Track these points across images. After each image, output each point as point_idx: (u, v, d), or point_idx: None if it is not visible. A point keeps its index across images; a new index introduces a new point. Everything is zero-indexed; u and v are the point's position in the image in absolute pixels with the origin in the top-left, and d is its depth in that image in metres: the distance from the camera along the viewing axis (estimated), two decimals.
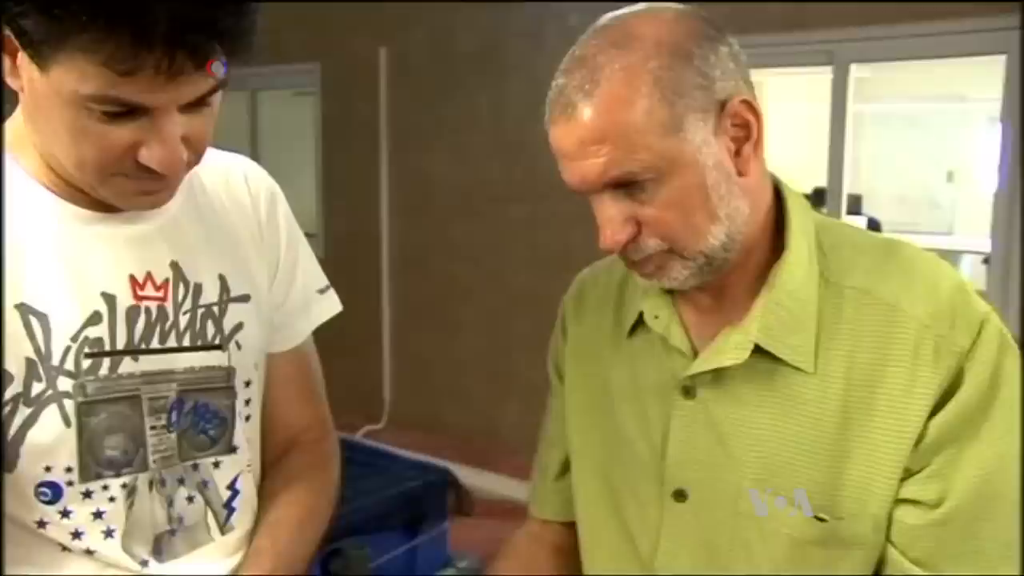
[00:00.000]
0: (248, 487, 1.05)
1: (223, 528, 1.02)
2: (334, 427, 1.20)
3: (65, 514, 0.91)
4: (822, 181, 3.63)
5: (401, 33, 4.60)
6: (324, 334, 1.18)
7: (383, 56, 4.69)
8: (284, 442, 1.13)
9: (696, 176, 0.87)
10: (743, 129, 0.89)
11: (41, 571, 0.92)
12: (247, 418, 1.05)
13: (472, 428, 4.43)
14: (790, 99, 6.36)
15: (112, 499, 0.93)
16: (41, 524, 0.91)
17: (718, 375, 0.95)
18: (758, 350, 0.93)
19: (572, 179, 0.89)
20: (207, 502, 1.01)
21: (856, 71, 3.51)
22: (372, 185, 4.77)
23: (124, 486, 0.94)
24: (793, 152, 4.23)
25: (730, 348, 0.93)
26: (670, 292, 0.99)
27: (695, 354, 0.97)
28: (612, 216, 0.89)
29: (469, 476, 2.78)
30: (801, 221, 0.95)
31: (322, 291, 1.15)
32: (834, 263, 0.94)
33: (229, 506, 1.02)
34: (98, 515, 0.93)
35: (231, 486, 1.03)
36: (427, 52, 4.53)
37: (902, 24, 3.25)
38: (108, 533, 0.93)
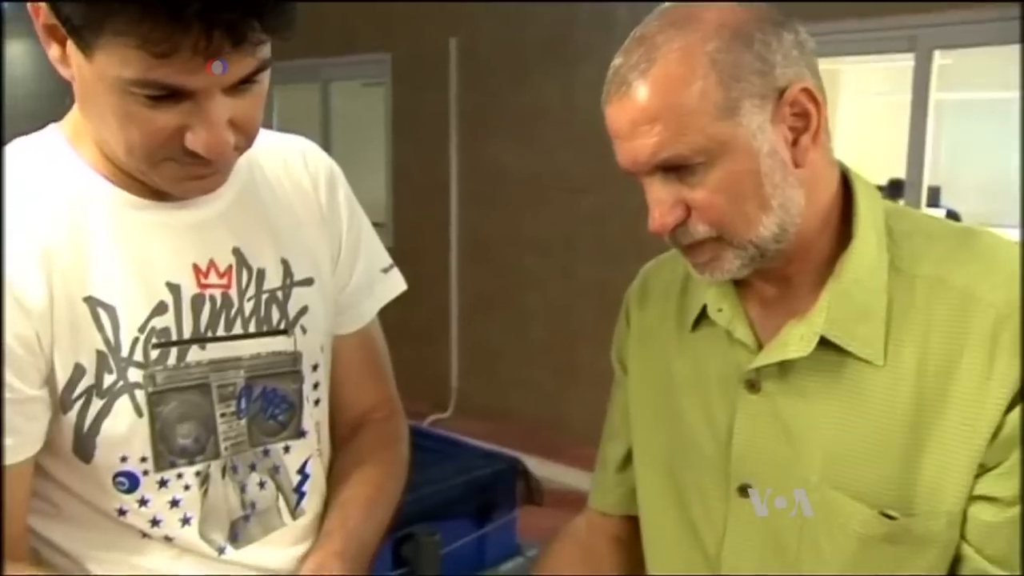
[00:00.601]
0: (317, 471, 1.06)
1: (294, 513, 1.03)
2: (402, 407, 1.21)
3: (143, 502, 0.93)
4: (898, 172, 3.55)
5: (471, 23, 4.62)
6: (391, 322, 1.19)
7: (453, 46, 4.71)
8: (352, 422, 1.14)
9: (749, 162, 0.86)
10: (802, 119, 0.87)
11: (124, 556, 0.94)
12: (316, 402, 1.06)
13: (539, 418, 4.43)
14: (866, 88, 6.22)
15: (187, 487, 0.95)
16: (121, 512, 0.93)
17: (783, 368, 0.93)
18: (824, 342, 0.91)
19: (624, 160, 0.88)
20: (278, 487, 1.02)
21: (938, 58, 3.41)
22: (441, 175, 4.80)
23: (198, 474, 0.95)
24: (866, 142, 4.14)
25: (795, 340, 0.92)
26: (734, 283, 0.98)
27: (759, 347, 0.95)
28: (662, 199, 0.88)
29: (536, 466, 2.78)
30: (869, 209, 0.93)
31: (386, 270, 1.15)
32: (905, 251, 0.92)
33: (299, 490, 1.03)
34: (175, 503, 0.94)
35: (301, 470, 1.04)
36: (497, 42, 4.54)
37: (986, 8, 3.15)
38: (185, 520, 0.95)
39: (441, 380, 4.86)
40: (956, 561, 0.90)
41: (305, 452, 1.04)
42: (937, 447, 0.88)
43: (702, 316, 1.00)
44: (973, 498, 0.88)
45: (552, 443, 3.94)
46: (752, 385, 0.96)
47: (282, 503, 1.02)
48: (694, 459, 1.01)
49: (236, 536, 0.99)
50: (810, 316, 0.92)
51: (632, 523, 1.12)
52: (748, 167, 0.86)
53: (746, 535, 0.97)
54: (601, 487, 1.16)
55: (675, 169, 0.87)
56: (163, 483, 0.94)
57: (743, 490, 0.97)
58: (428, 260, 4.81)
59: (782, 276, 0.94)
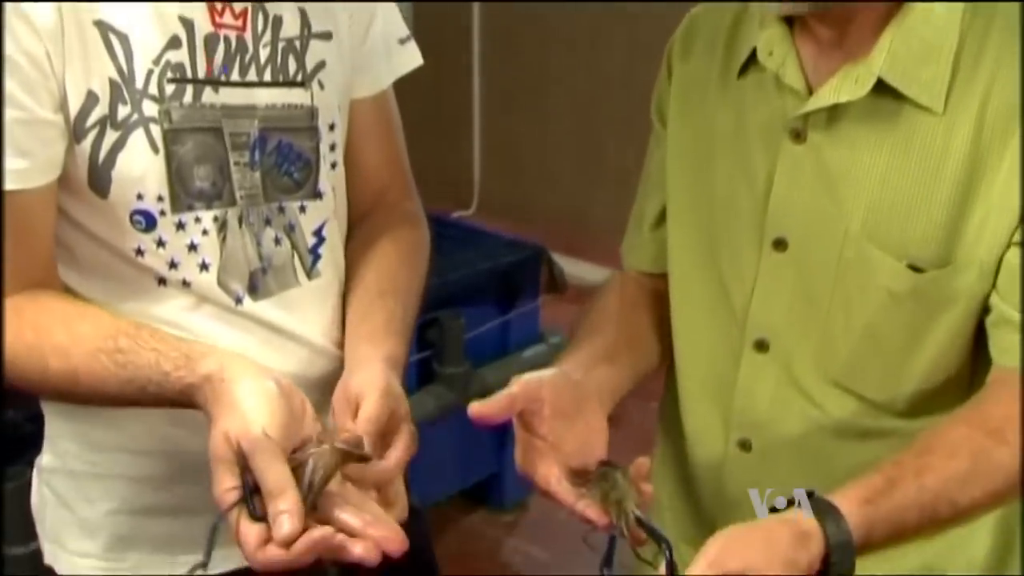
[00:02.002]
0: (334, 235, 1.05)
1: (309, 273, 1.02)
2: (416, 193, 1.18)
3: (160, 244, 0.93)
4: None
5: None
6: (412, 119, 1.16)
7: None
8: (367, 199, 1.12)
9: None
10: None
11: (141, 305, 0.94)
12: (333, 165, 1.04)
13: (562, 214, 4.42)
14: None
15: (205, 232, 0.94)
16: (139, 252, 0.93)
17: (833, 116, 0.89)
18: (881, 87, 0.86)
19: None
20: (293, 245, 1.01)
21: None
22: None
23: (216, 219, 0.94)
24: None
25: (849, 83, 0.87)
26: (788, 25, 0.92)
27: (810, 93, 0.90)
28: None
29: (559, 262, 2.78)
30: None
31: (403, 41, 1.11)
32: None
33: (315, 252, 1.03)
34: (192, 247, 0.94)
35: (317, 232, 1.03)
36: None
37: None
38: (203, 267, 0.95)
39: (463, 177, 4.83)
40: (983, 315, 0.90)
41: (322, 214, 1.03)
42: (985, 198, 0.86)
43: (750, 61, 0.95)
44: (1011, 244, 0.86)
45: (575, 239, 3.93)
46: (797, 134, 0.92)
47: (297, 262, 1.01)
48: (728, 213, 0.98)
49: (255, 287, 0.98)
50: (869, 58, 0.87)
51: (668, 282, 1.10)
52: None
53: (777, 290, 0.96)
54: (636, 245, 1.14)
55: None
56: (181, 225, 0.93)
57: (778, 244, 0.94)
58: (450, 55, 4.67)
59: (844, 16, 0.88)
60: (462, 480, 2.63)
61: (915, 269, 0.88)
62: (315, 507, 0.77)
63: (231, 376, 0.81)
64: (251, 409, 0.78)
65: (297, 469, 0.77)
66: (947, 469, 0.82)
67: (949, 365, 0.93)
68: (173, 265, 0.94)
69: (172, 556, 1.01)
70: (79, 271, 0.95)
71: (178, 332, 0.92)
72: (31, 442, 1.08)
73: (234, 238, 0.96)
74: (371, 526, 0.77)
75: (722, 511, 1.04)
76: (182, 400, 0.83)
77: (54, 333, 0.87)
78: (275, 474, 0.75)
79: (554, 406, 0.86)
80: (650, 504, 0.82)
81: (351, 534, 0.76)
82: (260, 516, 0.74)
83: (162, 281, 0.94)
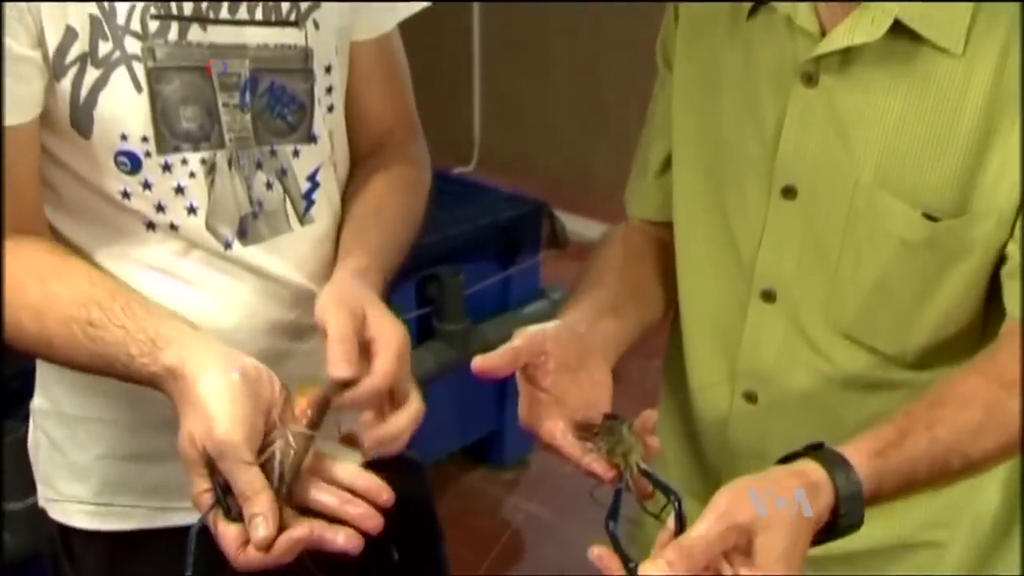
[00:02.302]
0: (329, 181, 1.02)
1: (302, 219, 1.00)
2: (422, 134, 1.16)
3: (147, 186, 0.90)
4: None
5: None
6: (411, 72, 1.14)
7: None
8: (369, 144, 1.10)
9: None
10: None
11: (128, 249, 0.92)
12: (329, 108, 1.01)
13: (564, 171, 4.39)
14: None
15: (192, 174, 0.92)
16: (125, 195, 0.90)
17: (846, 59, 0.86)
18: (898, 28, 0.83)
19: None
20: (285, 190, 0.98)
21: None
22: None
23: (203, 161, 0.92)
24: None
25: (864, 24, 0.84)
26: None
27: (822, 35, 0.87)
28: None
29: (560, 219, 2.76)
30: None
31: None
32: None
33: (308, 197, 1.00)
34: (179, 190, 0.91)
35: (311, 177, 1.00)
36: None
37: None
38: (191, 210, 0.93)
39: (463, 133, 4.78)
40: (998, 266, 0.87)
41: (316, 159, 1.00)
42: (1004, 144, 0.83)
43: (760, 2, 0.91)
44: None
45: (577, 196, 3.90)
46: (809, 78, 0.89)
47: (289, 207, 0.99)
48: (736, 159, 0.95)
49: (244, 232, 0.96)
50: None
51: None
52: None
53: (785, 240, 0.94)
54: (640, 194, 1.11)
55: None
56: (167, 167, 0.90)
57: (787, 191, 0.92)
58: (450, 9, 4.61)
59: None
60: (462, 438, 2.63)
61: (930, 218, 0.86)
62: (291, 494, 0.76)
63: (192, 372, 0.78)
64: (214, 409, 0.76)
65: (268, 461, 0.76)
66: (959, 421, 0.80)
67: (962, 316, 0.91)
68: (160, 208, 0.92)
69: (163, 502, 1.01)
70: (68, 215, 0.93)
71: (169, 278, 0.90)
72: (29, 395, 1.07)
73: (223, 181, 0.94)
74: (349, 504, 0.77)
75: (727, 465, 1.03)
76: (152, 385, 0.82)
77: (28, 291, 0.85)
78: (243, 477, 0.74)
79: (558, 359, 0.84)
80: (655, 458, 0.81)
81: (329, 516, 0.76)
82: (237, 516, 0.74)
83: (150, 226, 0.93)
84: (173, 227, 0.92)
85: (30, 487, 1.08)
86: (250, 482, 0.74)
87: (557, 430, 0.83)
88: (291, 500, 0.77)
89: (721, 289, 1.00)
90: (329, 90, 1.01)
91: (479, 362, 0.80)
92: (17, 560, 1.60)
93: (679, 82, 1.01)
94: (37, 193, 0.90)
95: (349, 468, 0.80)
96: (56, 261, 0.88)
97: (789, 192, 0.92)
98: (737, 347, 0.99)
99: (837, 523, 0.74)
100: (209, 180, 0.93)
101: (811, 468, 0.74)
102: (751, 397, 1.00)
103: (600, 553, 0.71)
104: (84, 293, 0.84)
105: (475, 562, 1.26)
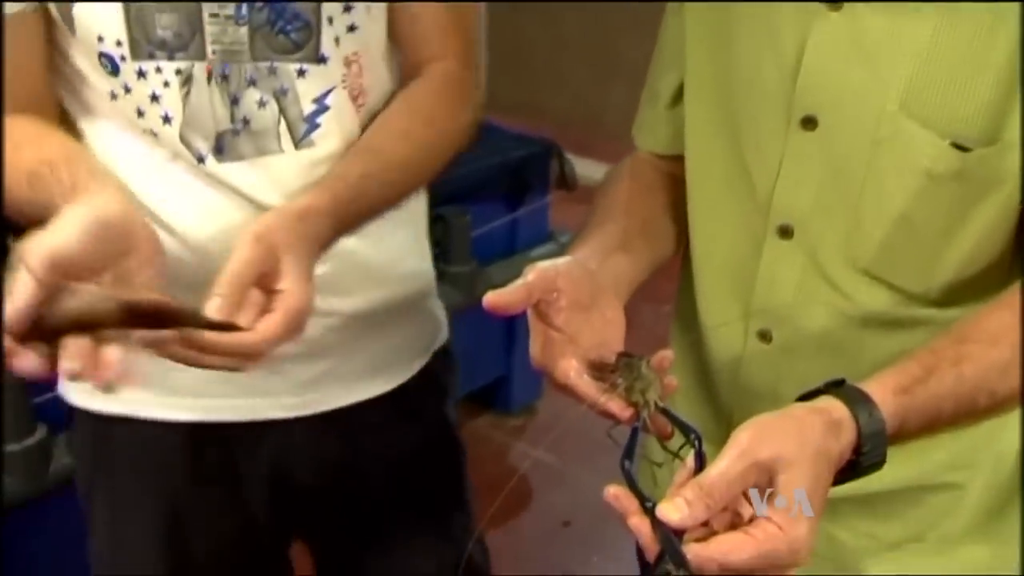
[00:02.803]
0: (343, 106, 0.98)
1: (297, 142, 0.96)
2: (474, 71, 1.09)
3: (127, 90, 0.91)
4: None
5: None
6: None
7: None
8: (411, 65, 1.05)
9: None
10: None
11: (123, 149, 0.94)
12: (350, 27, 0.96)
13: (573, 114, 4.34)
14: None
15: (167, 83, 0.91)
16: (113, 96, 0.92)
17: None
18: None
19: None
20: (282, 110, 0.95)
21: None
22: None
23: (179, 72, 0.90)
24: None
25: None
26: None
27: None
28: None
29: (570, 160, 2.72)
30: None
31: None
32: None
33: (312, 121, 0.96)
34: (155, 98, 0.91)
35: (318, 100, 0.96)
36: None
37: None
38: (166, 119, 0.92)
39: None
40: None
41: (325, 82, 0.96)
42: None
43: None
44: None
45: (586, 140, 3.85)
46: (834, 0, 0.84)
47: (283, 128, 0.95)
48: (752, 88, 0.91)
49: (221, 148, 0.94)
50: None
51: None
52: None
53: (804, 174, 0.90)
54: (650, 126, 1.07)
55: None
56: (141, 73, 0.90)
57: (807, 122, 0.88)
58: None
59: None
60: (468, 383, 2.60)
61: (959, 148, 0.82)
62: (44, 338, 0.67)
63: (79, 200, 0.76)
64: (60, 222, 0.71)
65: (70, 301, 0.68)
66: (987, 358, 0.78)
67: (990, 251, 0.88)
68: (140, 114, 0.92)
69: (142, 394, 1.00)
70: (80, 107, 0.95)
71: (161, 182, 0.92)
72: None
73: (200, 94, 0.92)
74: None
75: (739, 406, 1.00)
76: None
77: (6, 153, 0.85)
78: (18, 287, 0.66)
79: (570, 296, 0.81)
80: (669, 398, 0.78)
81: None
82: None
83: (138, 129, 0.94)
84: (153, 134, 0.93)
85: (27, 428, 1.07)
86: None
87: (572, 369, 0.80)
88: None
89: (735, 225, 0.97)
90: (348, 9, 0.96)
91: (491, 297, 0.77)
92: (19, 502, 1.59)
93: (692, 8, 0.97)
94: (41, 78, 0.92)
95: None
96: (38, 131, 0.89)
97: (809, 123, 0.88)
98: (751, 285, 0.96)
99: (859, 462, 0.72)
100: (184, 91, 0.91)
101: (833, 405, 0.72)
102: (765, 336, 0.97)
103: (616, 493, 0.69)
104: (44, 154, 0.84)
105: (482, 508, 1.25)
